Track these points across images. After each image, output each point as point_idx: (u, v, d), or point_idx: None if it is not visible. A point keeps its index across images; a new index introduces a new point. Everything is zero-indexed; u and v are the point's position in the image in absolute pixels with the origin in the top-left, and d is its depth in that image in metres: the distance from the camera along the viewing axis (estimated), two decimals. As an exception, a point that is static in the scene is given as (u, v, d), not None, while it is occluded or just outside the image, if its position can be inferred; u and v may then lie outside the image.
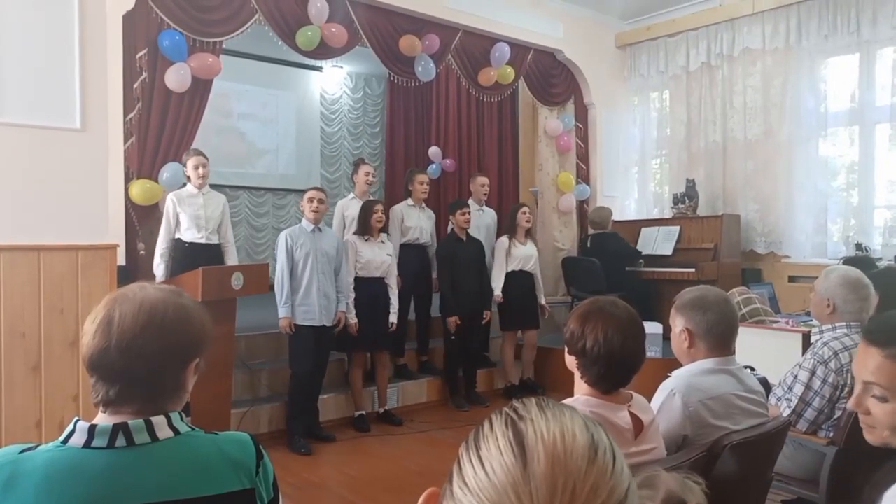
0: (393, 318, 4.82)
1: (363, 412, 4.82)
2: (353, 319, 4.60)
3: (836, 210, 6.35)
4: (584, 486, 0.55)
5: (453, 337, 5.24)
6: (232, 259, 4.59)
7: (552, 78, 7.22)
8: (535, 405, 0.62)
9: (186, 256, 4.28)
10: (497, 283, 5.44)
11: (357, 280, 4.68)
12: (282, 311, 4.31)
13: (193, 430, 1.16)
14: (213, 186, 4.59)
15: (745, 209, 6.72)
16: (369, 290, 4.72)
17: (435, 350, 5.63)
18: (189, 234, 4.36)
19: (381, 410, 4.97)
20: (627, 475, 0.59)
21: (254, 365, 4.79)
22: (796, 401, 2.52)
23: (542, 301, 5.69)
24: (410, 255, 5.34)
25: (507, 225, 5.64)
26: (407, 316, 5.39)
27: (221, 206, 4.56)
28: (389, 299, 4.83)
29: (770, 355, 3.75)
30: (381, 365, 4.91)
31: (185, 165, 4.45)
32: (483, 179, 5.96)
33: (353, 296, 4.62)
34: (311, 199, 4.39)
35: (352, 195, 5.21)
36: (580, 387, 1.70)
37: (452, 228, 5.37)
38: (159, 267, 4.30)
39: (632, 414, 1.67)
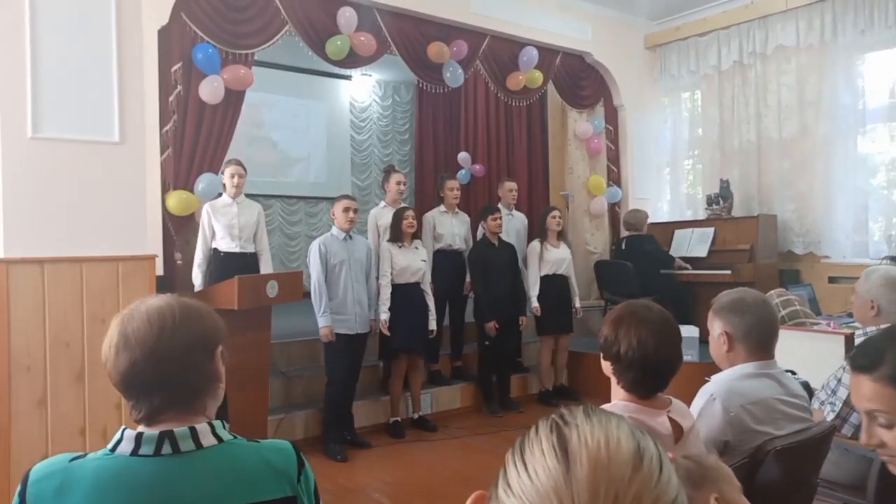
0: (432, 325, 4.84)
1: (398, 418, 4.84)
2: (385, 315, 4.61)
3: (877, 208, 6.19)
4: (626, 494, 0.54)
5: (487, 343, 5.23)
6: (266, 266, 4.64)
7: (581, 80, 7.18)
8: (582, 412, 0.62)
9: (222, 266, 4.36)
10: (533, 290, 5.42)
11: (393, 287, 4.70)
12: (322, 321, 4.32)
13: (236, 437, 1.18)
14: (246, 196, 4.66)
15: (781, 209, 6.58)
16: (406, 296, 4.73)
17: (468, 355, 5.62)
18: (224, 244, 4.44)
19: (416, 416, 4.98)
20: (675, 485, 0.58)
21: (289, 372, 4.84)
22: (840, 405, 2.46)
23: (577, 304, 5.66)
24: (444, 260, 5.35)
25: (538, 229, 5.62)
26: (442, 322, 5.41)
27: (256, 215, 4.62)
28: (426, 304, 4.84)
29: (811, 358, 3.66)
30: (416, 370, 4.91)
31: (222, 174, 4.53)
32: (511, 184, 5.95)
33: (388, 303, 4.65)
34: (347, 209, 4.42)
35: (383, 203, 5.23)
36: (617, 392, 1.68)
37: (484, 233, 5.36)
38: (197, 277, 4.40)
39: (671, 419, 1.65)
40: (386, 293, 4.66)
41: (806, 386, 2.46)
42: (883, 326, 2.48)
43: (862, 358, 1.19)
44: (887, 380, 1.14)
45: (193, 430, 1.11)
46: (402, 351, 4.75)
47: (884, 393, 1.14)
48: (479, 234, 5.49)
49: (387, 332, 4.63)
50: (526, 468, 0.58)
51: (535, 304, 5.40)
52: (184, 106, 4.67)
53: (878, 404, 1.15)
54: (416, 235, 4.90)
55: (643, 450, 0.58)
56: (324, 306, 4.32)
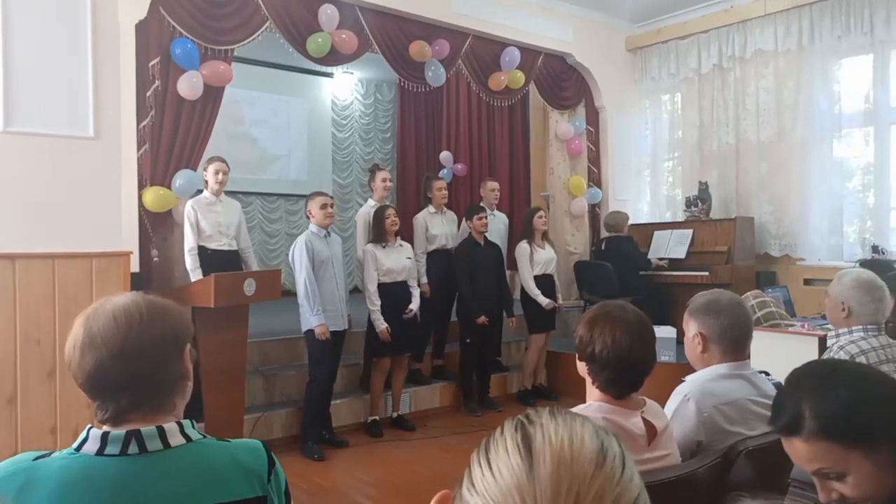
0: (414, 306, 4.81)
1: (377, 417, 4.82)
2: (384, 325, 4.60)
3: (852, 212, 6.28)
4: (588, 491, 0.55)
5: (468, 341, 5.24)
6: (253, 265, 4.61)
7: (562, 82, 7.21)
8: (548, 412, 0.63)
9: (210, 264, 4.29)
10: (535, 291, 5.41)
11: (380, 286, 4.68)
12: (316, 319, 4.26)
13: (205, 437, 1.16)
14: (226, 193, 4.62)
15: (758, 211, 6.66)
16: (393, 295, 4.73)
17: (449, 354, 5.62)
18: (212, 242, 4.39)
19: (395, 415, 4.97)
20: (638, 484, 0.59)
21: (266, 371, 4.81)
22: (813, 405, 2.48)
23: (559, 301, 5.68)
24: (437, 261, 5.35)
25: (524, 230, 5.62)
26: (435, 322, 5.40)
27: (238, 213, 4.59)
28: (411, 300, 4.84)
29: (786, 359, 3.69)
30: (400, 369, 4.90)
31: (205, 171, 4.48)
32: (493, 184, 5.95)
33: (378, 303, 4.63)
34: (324, 206, 4.39)
35: (372, 202, 5.18)
36: (592, 393, 1.69)
37: (469, 233, 5.35)
38: (195, 272, 4.25)
39: (645, 420, 1.66)
40: (377, 298, 4.63)
41: (780, 386, 2.49)
42: (855, 328, 2.52)
43: (782, 420, 1.11)
44: (818, 435, 1.06)
45: (161, 430, 1.10)
46: (392, 354, 4.74)
47: (821, 449, 1.06)
48: (464, 233, 5.49)
49: (388, 340, 4.61)
50: (490, 467, 0.58)
51: (544, 300, 5.40)
52: (162, 101, 4.61)
53: (821, 462, 1.07)
54: (399, 233, 4.88)
55: (606, 448, 0.59)
56: (317, 304, 4.27)
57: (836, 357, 2.47)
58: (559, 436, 0.58)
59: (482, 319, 5.13)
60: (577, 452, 0.57)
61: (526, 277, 5.46)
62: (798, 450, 1.09)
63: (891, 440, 1.01)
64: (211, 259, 4.35)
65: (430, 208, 5.46)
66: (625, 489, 0.57)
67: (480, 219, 5.25)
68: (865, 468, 1.03)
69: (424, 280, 5.27)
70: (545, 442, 0.58)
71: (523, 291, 5.50)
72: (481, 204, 5.73)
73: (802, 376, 1.15)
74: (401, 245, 4.85)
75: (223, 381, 3.79)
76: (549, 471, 0.56)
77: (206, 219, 4.37)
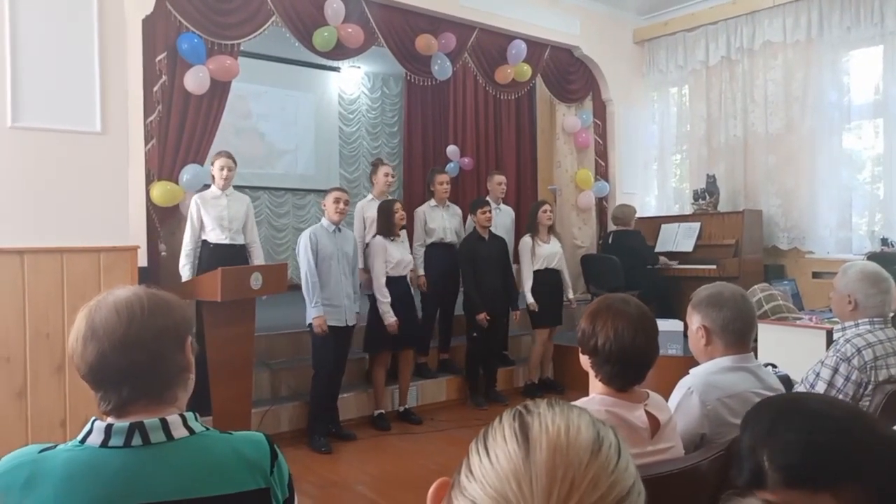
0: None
1: (383, 411, 4.84)
2: (392, 318, 4.60)
3: (862, 204, 6.24)
4: (583, 478, 0.56)
5: (475, 335, 5.24)
6: (258, 259, 4.63)
7: (569, 75, 7.18)
8: (545, 403, 0.64)
9: (211, 258, 4.31)
10: (526, 285, 5.41)
11: (387, 280, 4.69)
12: (314, 312, 4.27)
13: (208, 429, 1.17)
14: (233, 188, 4.64)
15: (767, 204, 6.62)
16: (398, 289, 4.74)
17: (455, 348, 5.63)
18: (213, 236, 4.41)
19: (401, 409, 4.98)
20: (633, 474, 0.59)
21: (274, 364, 4.83)
22: (818, 399, 2.47)
23: (570, 295, 5.68)
24: (437, 254, 5.35)
25: (529, 223, 5.61)
26: (436, 316, 5.41)
27: (245, 207, 4.60)
28: (412, 295, 4.89)
29: (793, 352, 3.69)
30: (406, 363, 4.92)
31: (212, 166, 4.50)
32: (500, 178, 5.94)
33: (388, 298, 4.63)
34: (337, 200, 4.39)
35: (370, 196, 5.19)
36: (595, 386, 1.70)
37: (474, 227, 5.35)
38: (185, 268, 4.31)
39: (648, 413, 1.66)
40: (386, 292, 4.63)
41: (787, 380, 2.49)
42: (861, 321, 2.51)
43: (745, 476, 1.03)
44: (784, 484, 0.98)
45: (164, 422, 1.11)
46: (390, 348, 4.75)
47: (792, 498, 0.98)
48: (469, 228, 5.49)
49: (396, 333, 4.62)
50: (488, 454, 0.60)
51: (529, 299, 5.39)
52: (169, 96, 4.63)
53: None
54: (402, 228, 4.90)
55: (602, 438, 0.60)
56: (316, 297, 4.29)
57: (842, 350, 2.45)
58: (556, 424, 0.59)
59: (482, 317, 5.13)
60: (573, 440, 0.58)
61: (524, 273, 5.45)
62: (770, 502, 1.00)
63: (853, 479, 0.95)
64: (212, 253, 4.36)
65: (432, 202, 5.47)
66: (619, 478, 0.57)
67: (484, 213, 5.25)
68: None
69: (421, 272, 5.28)
70: (542, 430, 0.59)
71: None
72: (487, 198, 5.73)
73: (752, 420, 1.08)
74: (403, 241, 4.91)
75: (231, 375, 3.81)
76: (545, 457, 0.56)
77: (208, 212, 4.38)
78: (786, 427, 1.02)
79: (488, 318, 5.16)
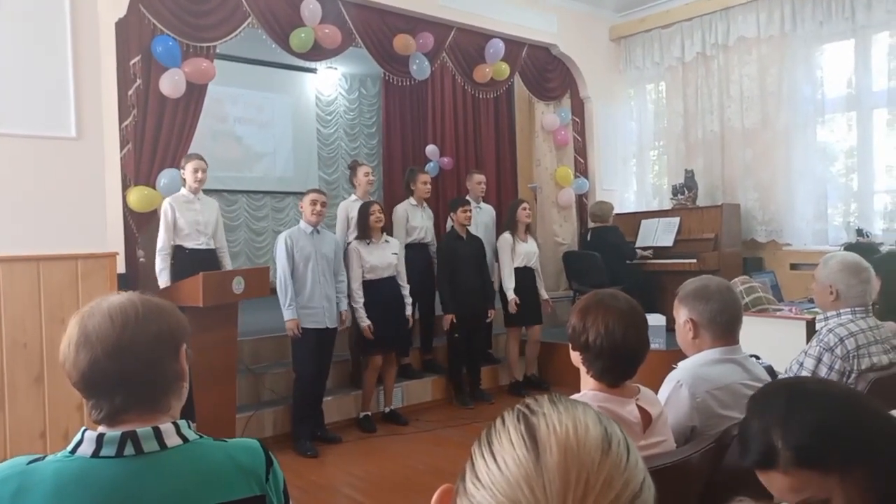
0: (408, 311, 4.86)
1: (369, 413, 4.82)
2: (366, 322, 4.58)
3: (837, 196, 6.33)
4: (598, 478, 0.55)
5: (456, 335, 5.24)
6: (228, 265, 4.58)
7: (547, 73, 7.20)
8: (548, 400, 0.62)
9: (187, 263, 4.26)
10: (508, 284, 5.41)
11: (367, 283, 4.66)
12: (287, 314, 4.27)
13: (202, 437, 1.15)
14: (211, 191, 4.59)
15: (744, 198, 6.70)
16: (381, 292, 4.71)
17: (438, 348, 5.62)
18: (190, 241, 4.35)
19: (387, 410, 4.96)
20: (642, 468, 0.59)
21: (257, 369, 4.78)
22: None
23: (545, 296, 5.69)
24: (415, 254, 5.33)
25: (507, 222, 5.62)
26: (413, 316, 5.40)
27: (216, 212, 4.55)
28: (402, 297, 4.83)
29: (774, 343, 3.74)
30: (390, 364, 4.89)
31: (182, 169, 4.43)
32: (480, 177, 5.95)
33: (362, 300, 4.61)
34: (313, 202, 4.37)
35: (354, 197, 5.17)
36: (586, 382, 1.70)
37: (452, 226, 5.35)
38: (163, 273, 4.24)
39: (640, 407, 1.67)
40: (360, 295, 4.62)
41: (770, 370, 2.51)
42: (843, 311, 2.54)
43: (754, 455, 1.05)
44: (796, 464, 1.00)
45: (157, 431, 1.09)
46: (381, 352, 4.72)
47: (803, 478, 1.00)
48: (448, 227, 5.48)
49: (371, 337, 4.60)
50: (495, 459, 0.58)
51: (512, 296, 5.39)
52: (144, 100, 4.56)
53: (805, 493, 1.00)
54: (385, 229, 4.86)
55: (611, 435, 0.59)
56: (289, 299, 4.26)
57: (825, 340, 2.49)
58: (563, 424, 0.58)
59: (449, 317, 5.13)
60: (582, 440, 0.57)
61: (505, 270, 5.46)
62: (778, 482, 1.03)
63: (864, 461, 0.98)
64: (188, 258, 4.30)
65: (412, 200, 5.45)
66: (632, 474, 0.56)
67: (464, 211, 5.25)
68: (845, 493, 0.99)
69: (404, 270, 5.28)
70: (550, 431, 0.57)
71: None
72: (467, 197, 5.72)
73: (763, 403, 1.09)
74: (387, 241, 4.83)
75: (214, 381, 3.77)
76: (557, 460, 0.55)
77: (183, 217, 4.32)
78: (799, 407, 1.04)
79: (455, 320, 5.15)
